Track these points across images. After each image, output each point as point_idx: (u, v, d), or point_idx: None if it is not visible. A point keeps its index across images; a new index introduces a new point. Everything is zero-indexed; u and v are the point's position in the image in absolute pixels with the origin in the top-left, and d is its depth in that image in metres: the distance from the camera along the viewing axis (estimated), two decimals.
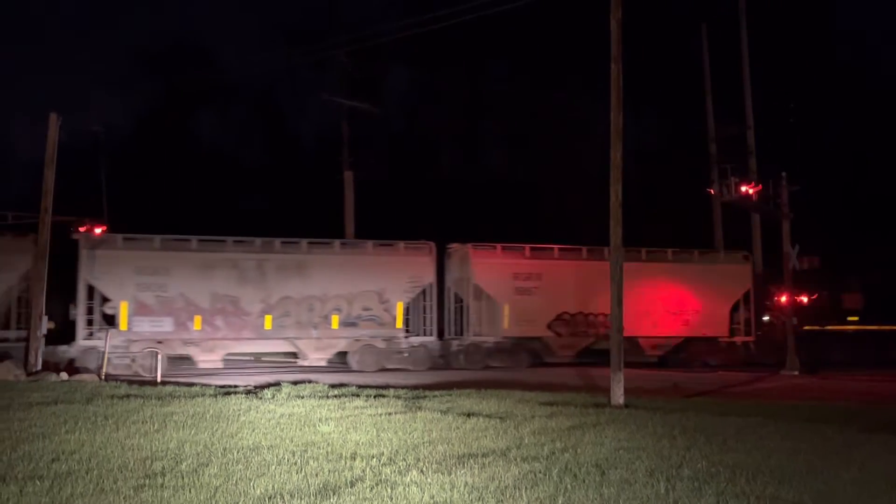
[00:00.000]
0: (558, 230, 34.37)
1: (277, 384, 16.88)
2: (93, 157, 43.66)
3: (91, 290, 24.94)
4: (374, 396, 14.96)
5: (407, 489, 7.54)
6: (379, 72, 42.91)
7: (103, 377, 20.45)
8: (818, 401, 17.75)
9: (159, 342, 24.25)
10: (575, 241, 29.54)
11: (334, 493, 7.37)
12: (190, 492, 7.37)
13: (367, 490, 7.50)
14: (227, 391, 15.96)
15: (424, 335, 28.07)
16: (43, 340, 21.91)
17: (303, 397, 14.60)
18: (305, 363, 26.47)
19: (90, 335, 24.52)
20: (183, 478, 7.89)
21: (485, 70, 48.58)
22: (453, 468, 8.44)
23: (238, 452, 9.20)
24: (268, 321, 25.93)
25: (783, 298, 29.52)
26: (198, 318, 25.21)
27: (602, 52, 16.76)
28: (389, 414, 12.45)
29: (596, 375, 22.83)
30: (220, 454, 9.10)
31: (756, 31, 40.26)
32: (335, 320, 26.67)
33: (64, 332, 24.59)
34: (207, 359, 25.47)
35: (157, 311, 24.88)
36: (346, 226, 35.93)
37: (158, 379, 20.27)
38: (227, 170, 44.70)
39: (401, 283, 27.35)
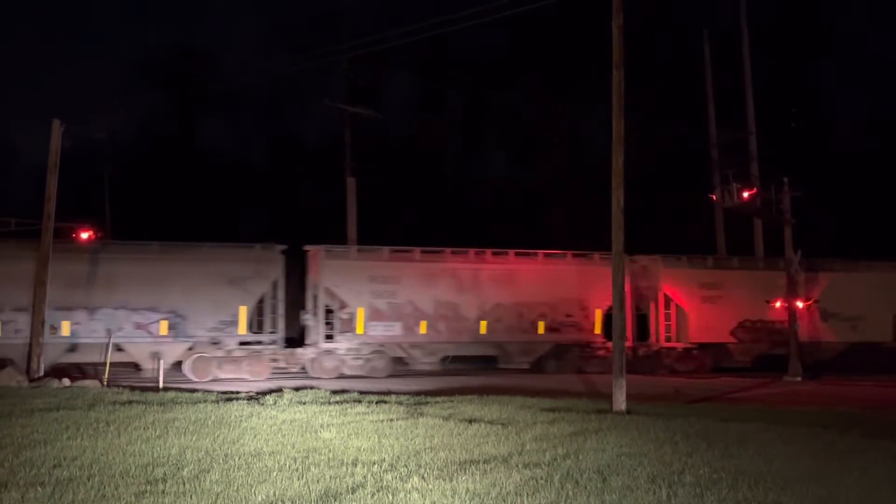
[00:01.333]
0: (566, 235, 34.43)
1: (279, 390, 16.88)
2: (96, 163, 43.80)
3: (316, 298, 27.08)
4: (376, 402, 14.95)
5: (408, 495, 7.54)
6: (382, 78, 43.03)
7: (105, 383, 20.47)
8: (820, 406, 17.71)
9: (382, 345, 27.02)
10: (581, 247, 29.55)
11: (336, 500, 7.37)
12: (191, 498, 7.38)
13: (369, 496, 7.50)
14: (229, 397, 15.96)
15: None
16: (44, 346, 21.94)
17: (304, 403, 14.60)
18: (511, 366, 28.59)
19: (329, 338, 26.72)
20: (184, 484, 7.90)
21: (488, 77, 48.63)
22: (455, 474, 8.44)
23: (240, 458, 9.20)
24: (483, 326, 28.02)
25: (777, 304, 29.56)
26: (423, 323, 27.34)
27: (604, 58, 16.81)
28: (391, 420, 12.45)
29: (598, 381, 22.80)
30: (221, 460, 9.10)
31: (757, 37, 40.32)
32: (541, 326, 28.68)
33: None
34: (427, 360, 27.55)
35: (388, 316, 27.03)
36: (349, 231, 35.96)
37: (161, 385, 20.28)
38: (230, 175, 44.75)
39: (598, 291, 28.20)
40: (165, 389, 18.30)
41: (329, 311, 26.80)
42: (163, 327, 24.93)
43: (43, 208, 22.06)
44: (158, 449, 9.75)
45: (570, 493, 7.76)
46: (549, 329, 28.65)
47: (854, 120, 47.55)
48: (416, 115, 47.46)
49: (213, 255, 26.00)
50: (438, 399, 15.99)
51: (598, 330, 29.07)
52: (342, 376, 26.02)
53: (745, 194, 28.80)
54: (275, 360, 26.05)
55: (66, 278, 23.45)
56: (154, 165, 46.42)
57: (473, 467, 8.81)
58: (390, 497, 7.48)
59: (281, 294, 26.28)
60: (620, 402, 15.25)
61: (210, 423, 11.94)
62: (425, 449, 9.98)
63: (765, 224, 35.39)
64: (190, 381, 23.92)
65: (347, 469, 8.68)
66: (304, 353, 26.52)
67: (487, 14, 22.45)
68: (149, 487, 7.76)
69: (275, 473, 8.41)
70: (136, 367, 25.40)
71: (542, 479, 8.32)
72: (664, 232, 37.72)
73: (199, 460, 9.10)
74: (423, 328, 27.22)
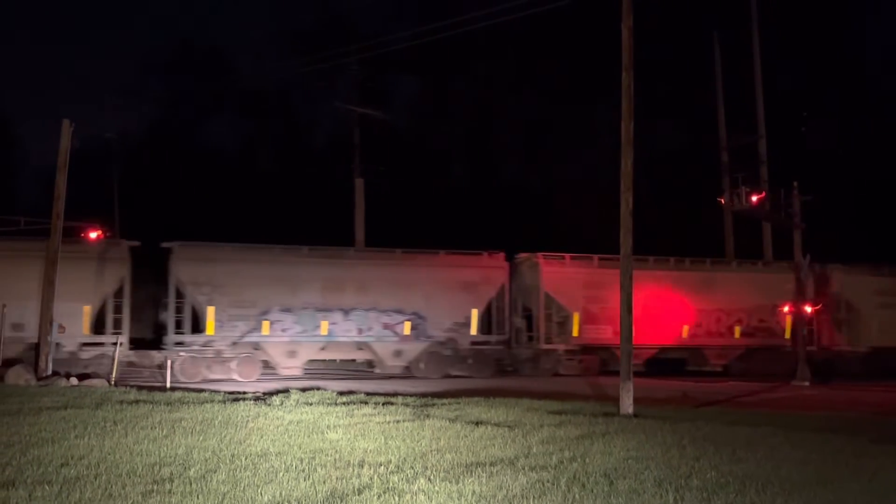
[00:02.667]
0: (574, 237, 34.40)
1: (286, 391, 16.89)
2: (105, 163, 43.96)
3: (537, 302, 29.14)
4: (383, 404, 14.94)
5: (414, 497, 7.53)
6: (391, 80, 43.07)
7: (113, 382, 20.52)
8: (828, 411, 17.64)
9: (594, 347, 28.95)
10: (588, 250, 29.57)
11: (342, 501, 7.36)
12: (198, 498, 7.38)
13: (375, 498, 7.49)
14: (236, 397, 15.97)
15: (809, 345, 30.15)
16: (54, 345, 22.03)
17: (311, 404, 14.59)
18: (706, 368, 30.37)
19: (549, 340, 28.99)
20: (191, 484, 7.90)
21: (497, 78, 48.62)
22: (461, 477, 8.42)
23: (246, 459, 9.20)
24: (685, 330, 30.04)
25: (785, 308, 29.49)
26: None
27: (614, 60, 16.78)
28: (398, 421, 12.43)
29: (605, 384, 22.75)
30: (228, 460, 9.10)
31: (768, 41, 40.23)
32: (737, 330, 30.58)
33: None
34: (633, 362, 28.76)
35: (600, 320, 28.63)
36: (357, 232, 35.99)
37: (168, 384, 20.32)
38: (238, 176, 44.86)
39: (787, 298, 29.60)
40: (172, 389, 18.34)
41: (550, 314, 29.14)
42: (406, 328, 27.30)
43: (52, 207, 22.15)
44: (165, 448, 9.76)
45: (577, 496, 7.73)
46: (743, 333, 30.70)
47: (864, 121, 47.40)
48: (425, 117, 47.50)
49: (449, 261, 28.35)
50: (445, 401, 15.98)
51: (787, 335, 30.58)
52: (557, 375, 28.49)
53: (755, 198, 28.71)
54: (502, 359, 28.84)
55: (323, 282, 26.68)
56: (162, 165, 46.55)
57: (480, 469, 8.79)
58: (396, 499, 7.47)
59: (506, 298, 28.80)
60: (628, 405, 15.21)
61: (217, 423, 11.95)
62: (432, 451, 9.96)
63: (774, 228, 35.30)
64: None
65: (354, 470, 8.67)
66: (522, 353, 29.12)
67: (497, 16, 22.43)
68: (155, 487, 7.76)
69: (281, 474, 8.40)
70: (369, 364, 28.21)
71: (548, 481, 8.30)
72: (672, 236, 37.67)
73: (206, 460, 9.11)
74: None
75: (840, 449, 10.88)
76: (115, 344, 23.00)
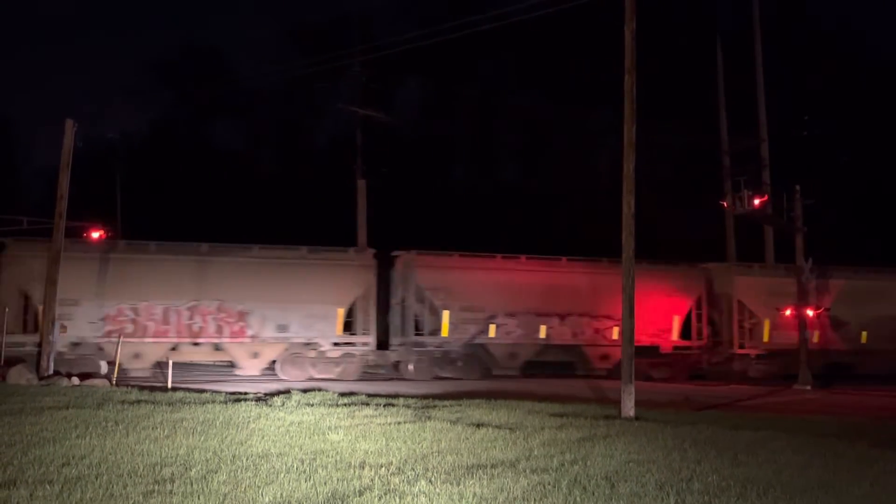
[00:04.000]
0: (573, 239, 34.41)
1: (287, 392, 16.89)
2: (108, 163, 44.02)
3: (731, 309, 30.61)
4: (384, 405, 14.94)
5: (415, 499, 7.53)
6: (393, 81, 43.06)
7: (114, 382, 20.53)
8: (830, 415, 17.62)
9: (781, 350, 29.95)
10: (587, 252, 29.64)
11: (343, 502, 7.36)
12: (199, 498, 7.38)
13: (376, 500, 7.49)
14: (238, 398, 15.98)
15: None
16: (55, 345, 22.04)
17: (312, 405, 14.60)
18: (868, 372, 30.67)
19: (741, 346, 30.43)
20: (192, 484, 7.90)
21: (499, 80, 48.63)
22: (462, 479, 8.42)
23: (247, 460, 9.20)
24: (863, 336, 31.67)
25: (787, 312, 29.49)
26: (816, 333, 30.30)
27: (616, 63, 16.79)
28: (399, 423, 12.43)
29: (606, 387, 22.74)
30: (229, 461, 9.11)
31: (770, 44, 40.22)
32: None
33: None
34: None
35: (786, 326, 29.67)
36: (359, 234, 35.99)
37: (169, 384, 20.33)
38: (240, 177, 44.89)
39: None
40: (174, 389, 18.34)
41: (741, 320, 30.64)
42: (615, 332, 27.82)
43: (55, 207, 22.18)
44: (166, 449, 9.77)
45: (578, 498, 7.73)
46: None
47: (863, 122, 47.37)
48: (427, 119, 47.51)
49: (651, 271, 28.63)
50: (446, 403, 15.97)
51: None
52: (746, 379, 29.41)
53: (757, 201, 28.67)
54: (699, 363, 30.26)
55: (542, 288, 28.46)
56: (165, 165, 46.59)
57: (481, 472, 8.79)
58: (397, 500, 7.47)
59: (704, 306, 30.46)
60: (629, 408, 15.20)
61: (218, 423, 11.95)
62: (433, 453, 9.96)
63: (776, 231, 35.29)
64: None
65: (355, 472, 8.67)
66: (713, 357, 30.42)
67: (499, 19, 22.43)
68: (157, 487, 7.77)
69: (282, 475, 8.41)
70: (571, 365, 29.35)
71: (549, 484, 8.30)
72: (674, 238, 37.66)
73: (207, 461, 9.11)
74: (815, 337, 30.27)
75: (841, 453, 10.87)
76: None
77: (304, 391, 17.07)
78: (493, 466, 9.14)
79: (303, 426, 11.86)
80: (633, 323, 15.96)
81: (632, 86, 16.11)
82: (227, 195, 43.96)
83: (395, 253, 28.27)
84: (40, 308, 22.74)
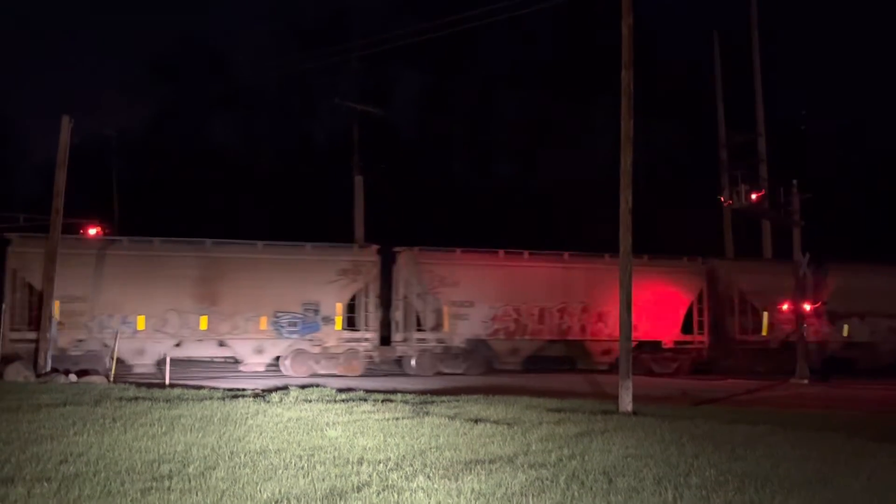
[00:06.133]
0: (571, 235, 34.39)
1: (285, 388, 16.89)
2: (105, 159, 43.92)
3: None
4: (382, 401, 14.94)
5: (413, 495, 7.53)
6: (390, 77, 42.99)
7: (112, 379, 20.51)
8: (828, 409, 17.65)
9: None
10: (586, 248, 29.59)
11: (341, 498, 7.36)
12: (197, 495, 7.37)
13: (374, 495, 7.48)
14: (235, 394, 15.97)
15: None
16: (52, 342, 22.02)
17: (310, 401, 14.59)
18: None
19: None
20: (190, 481, 7.89)
21: (497, 76, 48.59)
22: (460, 474, 8.42)
23: (245, 456, 9.20)
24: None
25: (785, 307, 29.51)
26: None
27: (614, 59, 16.77)
28: (397, 419, 12.43)
29: (604, 382, 22.75)
30: (227, 458, 9.10)
31: (768, 39, 40.21)
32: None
33: None
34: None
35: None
36: (356, 230, 35.96)
37: (167, 381, 20.32)
38: (237, 172, 44.80)
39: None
40: (171, 386, 18.33)
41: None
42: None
43: (51, 204, 22.14)
44: (164, 445, 9.76)
45: (576, 493, 7.73)
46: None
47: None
48: (424, 115, 47.46)
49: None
50: (444, 398, 15.97)
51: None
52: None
53: (754, 196, 28.71)
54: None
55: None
56: (161, 161, 46.50)
57: (479, 467, 8.79)
58: (396, 496, 7.47)
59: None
60: (627, 403, 15.21)
61: (216, 420, 11.94)
62: (431, 448, 9.96)
63: (773, 226, 35.32)
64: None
65: (353, 467, 8.67)
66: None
67: (497, 13, 22.39)
68: (154, 484, 7.76)
69: (280, 471, 8.40)
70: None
71: (547, 479, 8.30)
72: (671, 233, 37.67)
73: (205, 457, 9.10)
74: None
75: (839, 447, 10.87)
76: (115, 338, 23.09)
77: (302, 387, 17.07)
78: (491, 462, 9.14)
79: (301, 422, 11.86)
80: (630, 318, 15.96)
81: (629, 81, 16.11)
82: (224, 191, 43.89)
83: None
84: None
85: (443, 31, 24.48)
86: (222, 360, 27.64)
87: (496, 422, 12.38)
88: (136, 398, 14.69)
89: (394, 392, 17.32)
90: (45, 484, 7.61)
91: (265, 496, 7.40)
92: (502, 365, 28.31)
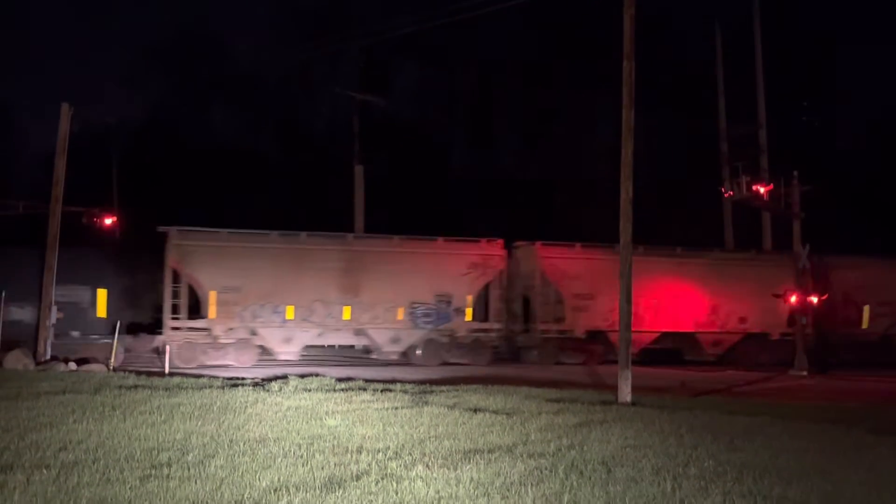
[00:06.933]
0: (572, 226, 34.34)
1: (285, 377, 16.90)
2: (105, 148, 43.86)
3: None
4: (381, 391, 14.95)
5: (412, 484, 7.54)
6: (392, 66, 42.87)
7: (111, 368, 20.52)
8: (827, 401, 17.67)
9: None
10: (585, 238, 29.59)
11: (340, 487, 7.36)
12: (196, 483, 7.38)
13: (373, 484, 7.49)
14: (235, 383, 15.98)
15: None
16: (52, 330, 22.02)
17: (310, 390, 14.61)
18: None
19: None
20: (189, 469, 7.90)
21: (498, 65, 48.41)
22: (459, 463, 8.43)
23: (244, 444, 9.21)
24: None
25: (793, 298, 29.46)
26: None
27: (615, 49, 16.73)
28: (396, 408, 12.44)
29: (603, 373, 22.78)
30: (226, 446, 9.11)
31: (770, 30, 40.08)
32: None
33: None
34: None
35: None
36: (356, 219, 35.96)
37: (167, 370, 20.34)
38: (236, 161, 44.70)
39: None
40: (171, 374, 18.34)
41: None
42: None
43: (51, 192, 22.10)
44: (163, 434, 9.77)
45: (575, 483, 7.74)
46: None
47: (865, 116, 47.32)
48: (425, 104, 47.32)
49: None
50: (443, 388, 15.99)
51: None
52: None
53: (755, 187, 28.63)
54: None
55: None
56: (162, 150, 46.39)
57: (478, 456, 8.80)
58: (394, 485, 7.48)
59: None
60: (626, 393, 15.22)
61: (215, 408, 11.95)
62: (430, 437, 9.97)
63: (773, 217, 35.27)
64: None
65: (352, 456, 8.68)
66: None
67: (498, 2, 22.30)
68: (154, 472, 7.77)
69: (279, 459, 8.41)
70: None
71: (546, 469, 8.31)
72: (673, 225, 37.64)
73: (204, 445, 9.11)
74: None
75: (838, 439, 10.90)
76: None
77: (302, 376, 17.08)
78: (490, 451, 9.15)
79: (300, 411, 11.86)
80: (630, 309, 15.95)
81: (630, 71, 16.06)
82: (224, 180, 43.79)
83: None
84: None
85: (443, 20, 24.40)
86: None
87: (495, 411, 12.40)
88: (136, 386, 14.70)
89: (393, 382, 17.33)
90: (45, 471, 7.62)
91: (264, 484, 7.41)
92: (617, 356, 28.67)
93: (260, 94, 48.79)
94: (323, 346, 27.73)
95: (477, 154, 47.31)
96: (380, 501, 6.98)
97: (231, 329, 25.42)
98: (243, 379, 17.36)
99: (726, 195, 32.14)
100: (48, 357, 21.09)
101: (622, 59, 16.15)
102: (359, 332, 27.02)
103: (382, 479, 7.67)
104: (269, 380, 16.64)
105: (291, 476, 7.73)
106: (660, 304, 28.94)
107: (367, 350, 27.88)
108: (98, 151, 42.95)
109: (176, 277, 25.40)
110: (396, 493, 7.21)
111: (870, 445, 10.45)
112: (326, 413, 11.70)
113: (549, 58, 46.06)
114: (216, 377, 17.59)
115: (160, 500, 6.86)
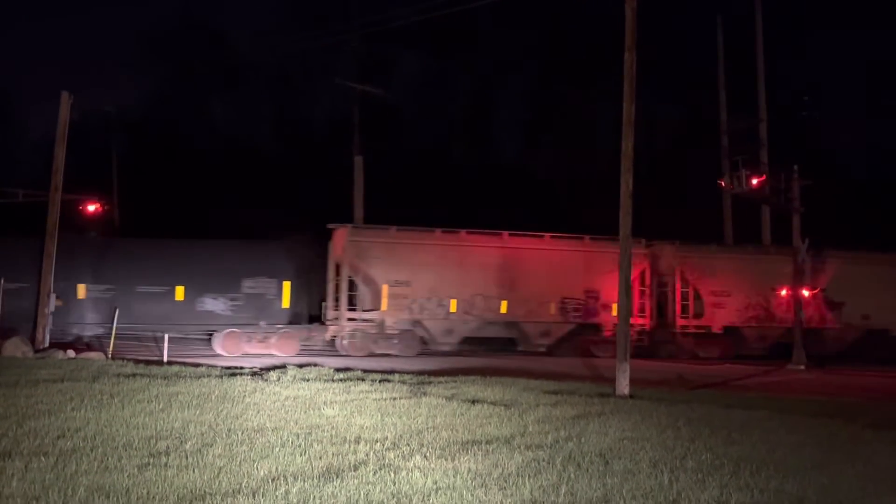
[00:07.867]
0: (573, 219, 34.35)
1: (283, 367, 16.91)
2: (105, 136, 43.80)
3: None
4: (380, 381, 14.96)
5: (410, 474, 7.54)
6: (392, 57, 42.74)
7: (110, 356, 20.52)
8: (824, 395, 17.69)
9: None
10: (585, 231, 29.67)
11: (337, 477, 7.37)
12: (194, 472, 7.38)
13: (371, 474, 7.50)
14: (233, 372, 15.98)
15: None
16: (50, 318, 22.03)
17: (308, 380, 14.62)
18: None
19: None
20: (187, 457, 7.91)
21: (499, 57, 48.31)
22: (457, 454, 8.44)
23: (242, 433, 9.21)
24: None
25: (783, 292, 29.59)
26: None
27: (617, 41, 16.68)
28: (394, 399, 12.45)
29: (601, 365, 22.80)
30: (224, 435, 9.12)
31: (771, 24, 40.01)
32: None
33: None
34: None
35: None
36: (356, 210, 35.90)
37: (165, 359, 20.35)
38: (236, 152, 44.66)
39: None
40: (170, 363, 18.35)
41: None
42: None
43: (50, 180, 22.07)
44: (162, 422, 9.77)
45: (572, 475, 7.75)
46: None
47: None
48: (425, 96, 47.22)
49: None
50: (441, 379, 16.00)
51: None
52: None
53: (754, 181, 28.63)
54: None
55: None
56: (161, 139, 46.34)
57: (475, 447, 8.81)
58: (392, 475, 7.48)
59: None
60: (624, 386, 15.24)
61: (213, 397, 11.96)
62: (428, 428, 9.98)
63: (773, 211, 35.27)
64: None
65: (350, 446, 8.69)
66: None
67: None
68: (152, 460, 7.77)
69: (277, 449, 8.42)
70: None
71: (543, 460, 8.32)
72: (672, 219, 37.60)
73: (202, 434, 9.12)
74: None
75: (835, 433, 10.91)
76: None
77: (300, 366, 17.09)
78: (487, 442, 9.16)
79: (298, 401, 11.87)
80: (629, 302, 15.98)
81: (632, 64, 16.04)
82: (223, 170, 43.74)
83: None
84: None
85: (444, 10, 24.34)
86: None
87: (493, 403, 12.41)
88: (134, 375, 14.70)
89: (391, 372, 17.35)
90: (43, 458, 7.63)
91: (262, 473, 7.42)
92: (750, 351, 30.14)
93: (258, 84, 48.71)
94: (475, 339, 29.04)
95: (478, 149, 47.25)
96: (377, 491, 6.99)
97: (398, 321, 27.03)
98: (242, 368, 17.37)
99: (726, 189, 32.16)
100: (47, 344, 21.11)
101: (624, 52, 16.11)
102: (510, 326, 28.58)
103: (380, 469, 7.68)
104: (268, 369, 16.65)
105: (289, 465, 7.74)
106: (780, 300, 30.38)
107: (513, 342, 29.29)
108: (99, 140, 42.90)
109: (339, 270, 27.08)
110: (394, 484, 7.22)
111: (867, 440, 10.47)
112: (325, 403, 11.70)
113: (551, 49, 45.97)
114: (214, 366, 17.59)
115: (158, 488, 6.86)
